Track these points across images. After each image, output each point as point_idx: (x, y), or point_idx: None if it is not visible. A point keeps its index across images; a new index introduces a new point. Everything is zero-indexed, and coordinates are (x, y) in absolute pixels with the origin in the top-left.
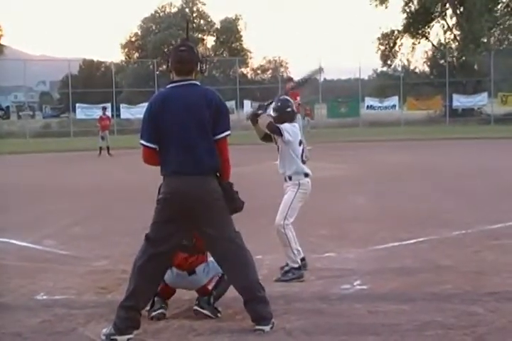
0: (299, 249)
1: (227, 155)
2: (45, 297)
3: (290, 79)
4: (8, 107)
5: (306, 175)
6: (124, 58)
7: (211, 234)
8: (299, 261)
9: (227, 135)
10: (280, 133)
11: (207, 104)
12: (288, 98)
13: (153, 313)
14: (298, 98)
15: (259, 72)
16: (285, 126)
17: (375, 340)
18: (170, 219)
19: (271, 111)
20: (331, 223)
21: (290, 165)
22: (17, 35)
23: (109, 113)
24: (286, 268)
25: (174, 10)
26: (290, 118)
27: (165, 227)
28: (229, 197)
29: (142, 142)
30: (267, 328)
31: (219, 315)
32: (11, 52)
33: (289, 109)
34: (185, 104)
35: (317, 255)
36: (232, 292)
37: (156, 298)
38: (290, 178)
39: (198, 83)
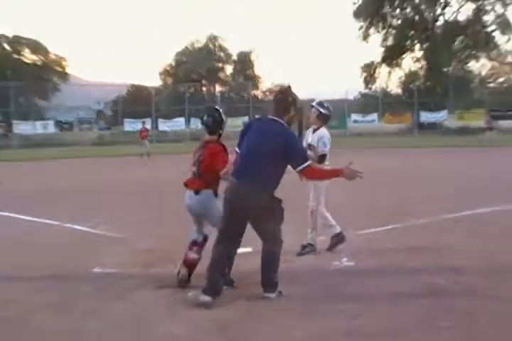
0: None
1: (313, 175)
2: (100, 270)
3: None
4: (72, 122)
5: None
6: (161, 83)
7: (253, 225)
8: (339, 229)
9: (306, 165)
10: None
11: (279, 140)
12: (328, 104)
13: (179, 277)
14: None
15: (267, 93)
16: (324, 137)
17: (358, 306)
18: (228, 213)
19: (322, 109)
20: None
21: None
22: (78, 64)
23: (147, 126)
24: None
25: (200, 45)
26: (328, 118)
27: (227, 219)
28: (270, 209)
29: (236, 149)
30: (272, 295)
31: (234, 284)
32: (74, 79)
33: (331, 110)
34: (260, 135)
35: None
36: (247, 265)
37: (180, 266)
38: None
39: (281, 121)
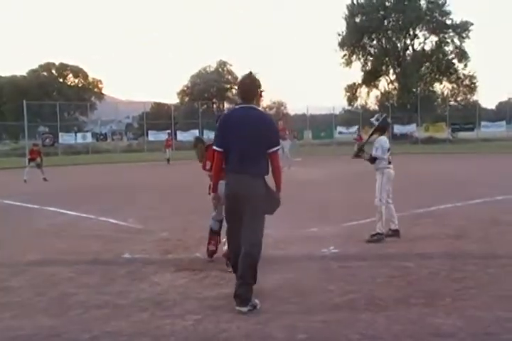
0: (395, 222)
1: (278, 165)
2: (128, 256)
3: (284, 115)
4: (106, 133)
5: (387, 167)
6: (179, 101)
7: (245, 221)
8: (383, 230)
9: (277, 149)
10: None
11: (261, 123)
12: (385, 115)
13: (209, 250)
14: (287, 131)
15: (267, 109)
16: (377, 143)
17: (343, 285)
18: (229, 204)
19: (374, 121)
20: (315, 208)
21: (379, 162)
22: (111, 85)
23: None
24: (373, 233)
25: (212, 69)
26: (385, 128)
27: (228, 211)
28: (268, 198)
29: (214, 147)
30: (244, 309)
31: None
32: (108, 98)
33: (387, 121)
34: (244, 122)
35: (306, 229)
36: None
37: (209, 246)
38: (378, 169)
39: (256, 106)
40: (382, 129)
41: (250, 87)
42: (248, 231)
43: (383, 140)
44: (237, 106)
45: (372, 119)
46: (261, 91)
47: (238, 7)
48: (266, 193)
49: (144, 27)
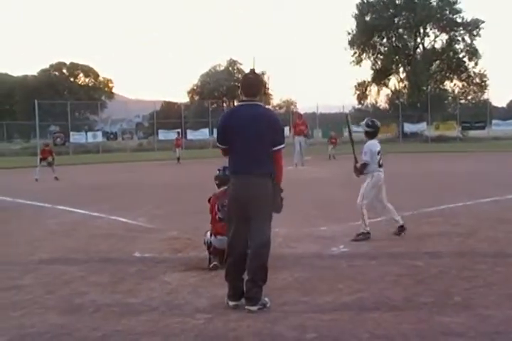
0: (397, 219)
1: (281, 163)
2: (138, 254)
3: (300, 115)
4: (116, 132)
5: (378, 171)
6: (188, 100)
7: (253, 221)
8: (367, 229)
9: (281, 147)
10: (363, 171)
11: (266, 120)
12: (374, 120)
13: (211, 265)
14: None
15: (277, 108)
16: (365, 148)
17: (352, 284)
18: (234, 207)
19: (365, 127)
20: (324, 207)
21: (369, 166)
22: (122, 85)
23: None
24: (359, 232)
25: (222, 68)
26: (376, 132)
27: (232, 213)
28: (275, 197)
29: (218, 144)
30: (254, 308)
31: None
32: (118, 97)
33: (377, 125)
34: (248, 119)
35: (315, 228)
36: None
37: (211, 256)
38: (367, 173)
39: (261, 103)
40: (372, 133)
41: (254, 81)
42: (257, 231)
43: (372, 143)
44: (240, 103)
45: (362, 123)
46: (265, 88)
47: (245, 4)
48: (272, 192)
49: (145, 27)
